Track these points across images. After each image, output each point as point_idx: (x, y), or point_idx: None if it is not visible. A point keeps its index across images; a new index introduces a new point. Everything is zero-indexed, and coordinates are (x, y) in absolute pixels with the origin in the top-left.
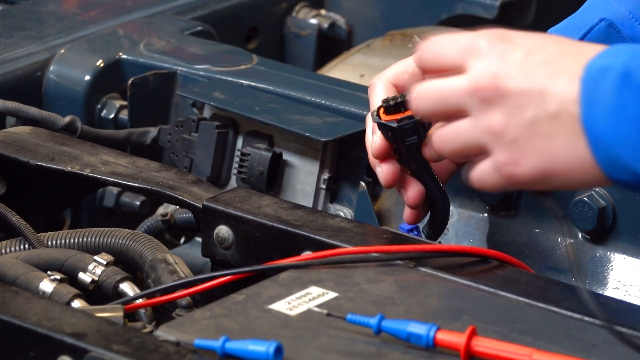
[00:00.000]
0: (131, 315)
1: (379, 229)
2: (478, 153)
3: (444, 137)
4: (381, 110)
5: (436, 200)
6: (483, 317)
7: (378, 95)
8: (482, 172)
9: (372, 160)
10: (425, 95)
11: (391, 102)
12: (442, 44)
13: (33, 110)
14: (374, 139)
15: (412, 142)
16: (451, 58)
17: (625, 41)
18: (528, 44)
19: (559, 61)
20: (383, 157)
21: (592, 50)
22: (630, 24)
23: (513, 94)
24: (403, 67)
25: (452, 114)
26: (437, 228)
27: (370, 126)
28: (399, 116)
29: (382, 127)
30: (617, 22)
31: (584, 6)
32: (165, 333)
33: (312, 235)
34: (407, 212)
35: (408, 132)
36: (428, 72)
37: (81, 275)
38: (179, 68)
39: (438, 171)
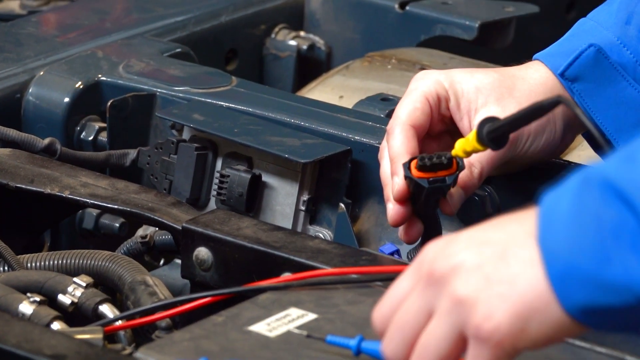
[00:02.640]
0: (111, 337)
1: (358, 250)
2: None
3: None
4: (413, 164)
5: (431, 235)
6: None
7: (397, 139)
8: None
9: (387, 195)
10: (380, 308)
11: (427, 162)
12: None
13: (12, 132)
14: (395, 181)
15: (435, 199)
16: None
17: (614, 67)
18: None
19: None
20: (401, 201)
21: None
22: (618, 49)
23: (465, 261)
24: (412, 105)
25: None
26: None
27: (387, 163)
28: (429, 175)
29: (411, 180)
30: (605, 47)
31: (571, 31)
32: (145, 355)
33: (291, 257)
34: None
35: (435, 193)
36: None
37: (61, 297)
38: (158, 90)
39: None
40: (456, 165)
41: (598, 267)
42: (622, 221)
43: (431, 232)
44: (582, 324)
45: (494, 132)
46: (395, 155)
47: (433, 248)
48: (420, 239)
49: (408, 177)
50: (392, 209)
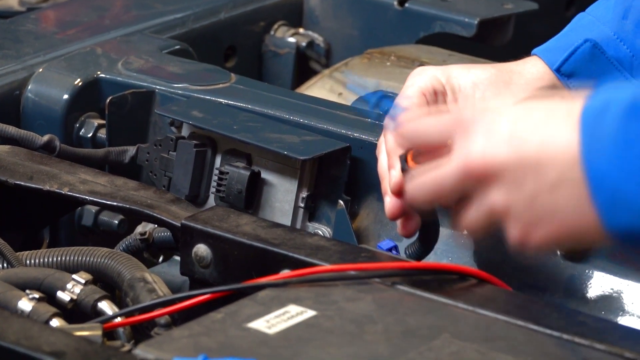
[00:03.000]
0: (110, 334)
1: (357, 247)
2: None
3: (464, 223)
4: (409, 155)
5: (428, 228)
6: (461, 335)
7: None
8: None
9: (384, 188)
10: (422, 189)
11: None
12: (427, 123)
13: (11, 129)
14: (392, 174)
15: None
16: (436, 136)
17: (610, 62)
18: (512, 112)
19: (547, 124)
20: (398, 194)
21: (580, 97)
22: (614, 44)
23: (507, 169)
24: (409, 101)
25: (453, 198)
26: (424, 250)
27: (384, 157)
28: None
29: (407, 172)
30: (602, 42)
31: (568, 27)
32: (143, 352)
33: (290, 254)
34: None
35: None
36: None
37: (60, 294)
38: (157, 87)
39: None
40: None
41: None
42: None
43: (429, 224)
44: (615, 240)
45: None
46: (392, 148)
47: (477, 142)
48: (418, 232)
49: (405, 170)
50: (390, 202)
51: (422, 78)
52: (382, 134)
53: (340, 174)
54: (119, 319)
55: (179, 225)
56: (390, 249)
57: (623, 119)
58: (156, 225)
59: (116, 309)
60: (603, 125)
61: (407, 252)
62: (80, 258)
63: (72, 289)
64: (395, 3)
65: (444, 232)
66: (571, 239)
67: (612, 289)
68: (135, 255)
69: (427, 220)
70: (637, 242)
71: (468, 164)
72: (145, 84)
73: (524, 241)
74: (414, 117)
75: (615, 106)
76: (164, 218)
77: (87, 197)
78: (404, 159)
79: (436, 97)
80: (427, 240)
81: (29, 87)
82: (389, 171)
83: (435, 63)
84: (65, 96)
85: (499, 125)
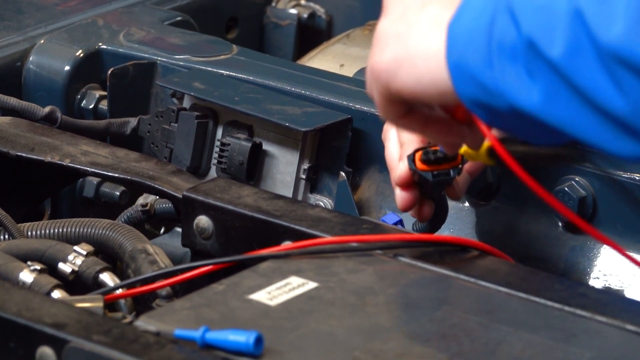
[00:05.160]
0: (111, 305)
1: (358, 218)
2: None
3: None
4: (417, 156)
5: (438, 213)
6: (463, 307)
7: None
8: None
9: (393, 181)
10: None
11: (431, 157)
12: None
13: (12, 101)
14: (400, 166)
15: (440, 188)
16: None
17: None
18: None
19: None
20: (405, 186)
21: None
22: None
23: (387, 16)
24: None
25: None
26: (433, 226)
27: (394, 146)
28: (434, 168)
29: (415, 172)
30: None
31: None
32: (145, 323)
33: (292, 226)
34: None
35: (440, 184)
36: None
37: (61, 265)
38: (159, 58)
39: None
40: (461, 157)
41: (482, 68)
42: (507, 31)
43: (437, 209)
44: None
45: None
46: (406, 139)
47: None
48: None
49: (412, 169)
50: (399, 194)
51: None
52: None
53: (342, 145)
54: (120, 291)
55: (181, 196)
56: (395, 224)
57: None
58: (157, 197)
59: (117, 281)
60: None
61: (415, 227)
62: (81, 229)
63: (74, 260)
64: None
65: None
66: (406, 64)
67: (613, 261)
68: (137, 227)
69: (435, 199)
70: (484, 113)
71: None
72: (146, 55)
73: (373, 60)
74: None
75: None
76: (166, 189)
77: (88, 169)
78: (411, 159)
79: None
80: (435, 219)
81: (31, 59)
82: (398, 162)
83: None
84: (67, 67)
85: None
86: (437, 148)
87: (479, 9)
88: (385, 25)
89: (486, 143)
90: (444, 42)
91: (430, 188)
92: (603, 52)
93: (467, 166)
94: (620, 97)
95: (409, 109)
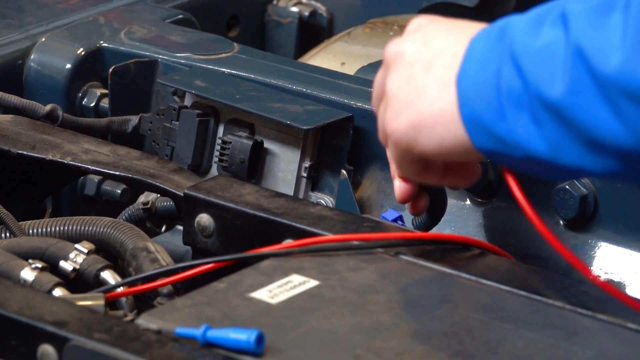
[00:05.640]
0: (112, 303)
1: (360, 216)
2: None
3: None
4: None
5: (437, 205)
6: (464, 305)
7: None
8: (379, 128)
9: (393, 172)
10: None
11: None
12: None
13: (14, 99)
14: None
15: None
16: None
17: None
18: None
19: (450, 29)
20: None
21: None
22: None
23: (406, 53)
24: None
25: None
26: (432, 221)
27: None
28: None
29: None
30: None
31: None
32: (146, 321)
33: (293, 224)
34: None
35: None
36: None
37: (62, 263)
38: (160, 56)
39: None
40: None
41: (495, 120)
42: (512, 79)
43: (436, 202)
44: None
45: None
46: None
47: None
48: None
49: None
50: (399, 186)
51: None
52: None
53: (343, 143)
54: (121, 289)
55: (182, 194)
56: (395, 220)
57: (490, 40)
58: (159, 195)
59: (119, 279)
60: (479, 45)
61: (414, 223)
62: (82, 227)
63: (75, 258)
64: None
65: (447, 202)
66: (425, 130)
67: (615, 258)
68: (138, 225)
69: (434, 191)
70: (505, 163)
71: (385, 54)
72: (147, 53)
73: (388, 125)
74: None
75: (493, 29)
76: (167, 187)
77: (89, 167)
78: None
79: None
80: (434, 212)
81: (32, 57)
82: None
83: None
84: (68, 65)
85: (418, 31)
86: None
87: (482, 60)
88: (394, 86)
89: None
90: (455, 101)
91: None
92: (604, 83)
93: None
94: (623, 129)
95: (426, 164)
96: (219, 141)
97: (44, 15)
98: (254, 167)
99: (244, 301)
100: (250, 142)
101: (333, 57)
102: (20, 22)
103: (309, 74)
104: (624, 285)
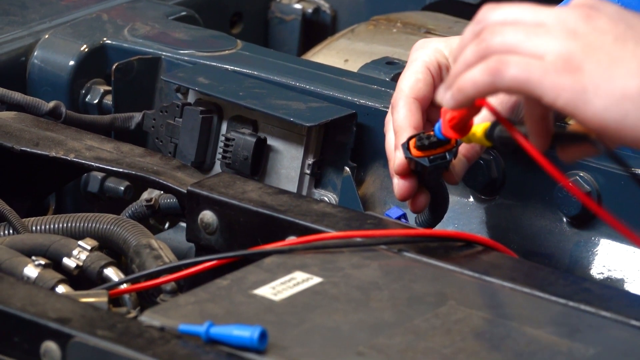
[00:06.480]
0: (116, 300)
1: (363, 213)
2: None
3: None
4: (412, 143)
5: (437, 202)
6: (467, 302)
7: (401, 113)
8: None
9: (391, 170)
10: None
11: (425, 142)
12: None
13: (17, 96)
14: (397, 155)
15: (438, 173)
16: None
17: None
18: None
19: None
20: (403, 174)
21: None
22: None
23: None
24: (414, 77)
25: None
26: (435, 218)
27: (392, 136)
28: (429, 153)
29: (411, 160)
30: None
31: None
32: (149, 318)
33: (296, 221)
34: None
35: (437, 169)
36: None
37: (65, 260)
38: (163, 53)
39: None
40: (455, 139)
41: None
42: None
43: (437, 199)
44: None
45: (505, 138)
46: (399, 128)
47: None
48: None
49: (408, 157)
50: (398, 183)
51: (426, 51)
52: (389, 112)
53: (346, 140)
54: (124, 286)
55: (185, 191)
56: (399, 217)
57: None
58: (162, 192)
59: (122, 276)
60: None
61: (418, 220)
62: (86, 224)
63: (78, 255)
64: None
65: (450, 199)
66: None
67: (618, 255)
68: (141, 222)
69: (434, 189)
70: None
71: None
72: (151, 50)
73: (592, 79)
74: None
75: None
76: (170, 184)
77: (93, 164)
78: (406, 147)
79: (440, 70)
80: (436, 209)
81: (35, 54)
82: (394, 152)
83: (442, 30)
84: (71, 62)
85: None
86: (431, 133)
87: None
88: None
89: (483, 125)
90: None
91: (428, 174)
92: None
93: (463, 150)
94: None
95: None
96: (222, 138)
97: (48, 12)
98: (257, 164)
99: (247, 298)
100: (254, 139)
101: (336, 54)
102: (24, 19)
103: (312, 71)
104: (628, 281)
